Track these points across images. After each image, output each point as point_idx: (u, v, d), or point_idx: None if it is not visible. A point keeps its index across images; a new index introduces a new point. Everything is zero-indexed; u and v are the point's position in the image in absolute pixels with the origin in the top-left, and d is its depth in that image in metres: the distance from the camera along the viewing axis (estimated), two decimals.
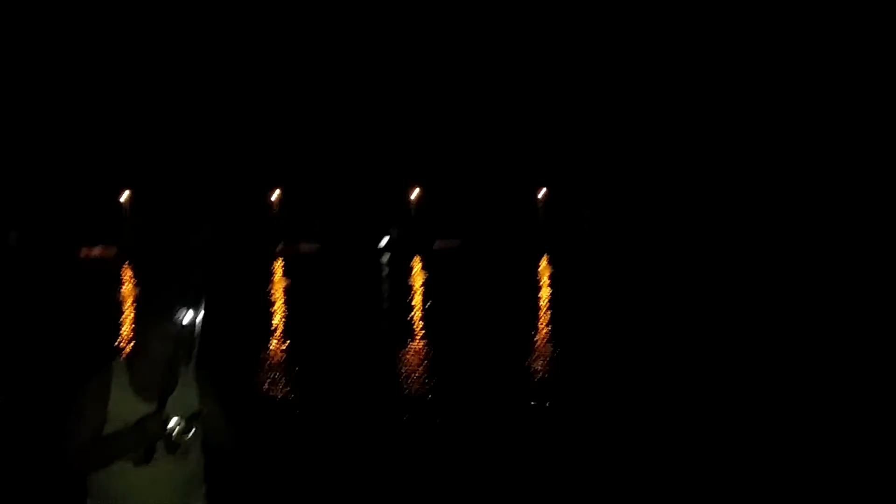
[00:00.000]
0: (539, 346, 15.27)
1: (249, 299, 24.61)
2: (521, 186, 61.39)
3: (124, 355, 3.47)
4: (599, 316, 19.97)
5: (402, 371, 12.57)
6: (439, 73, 60.30)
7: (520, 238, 53.55)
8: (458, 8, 61.48)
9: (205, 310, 3.26)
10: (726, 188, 55.87)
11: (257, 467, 6.76)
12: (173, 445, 3.15)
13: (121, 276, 38.89)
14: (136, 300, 24.41)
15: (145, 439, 3.10)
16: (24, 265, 43.19)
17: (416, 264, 42.34)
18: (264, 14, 60.91)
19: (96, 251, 58.12)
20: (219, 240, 54.62)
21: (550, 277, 35.79)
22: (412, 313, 21.96)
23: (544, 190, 63.21)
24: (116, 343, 15.47)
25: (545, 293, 28.89)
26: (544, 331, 17.80)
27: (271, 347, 15.33)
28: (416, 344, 15.67)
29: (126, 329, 17.69)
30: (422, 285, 32.65)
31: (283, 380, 11.76)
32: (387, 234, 56.76)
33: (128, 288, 31.96)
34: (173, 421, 3.13)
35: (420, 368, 12.88)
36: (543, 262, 40.94)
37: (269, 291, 30.32)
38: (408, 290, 30.22)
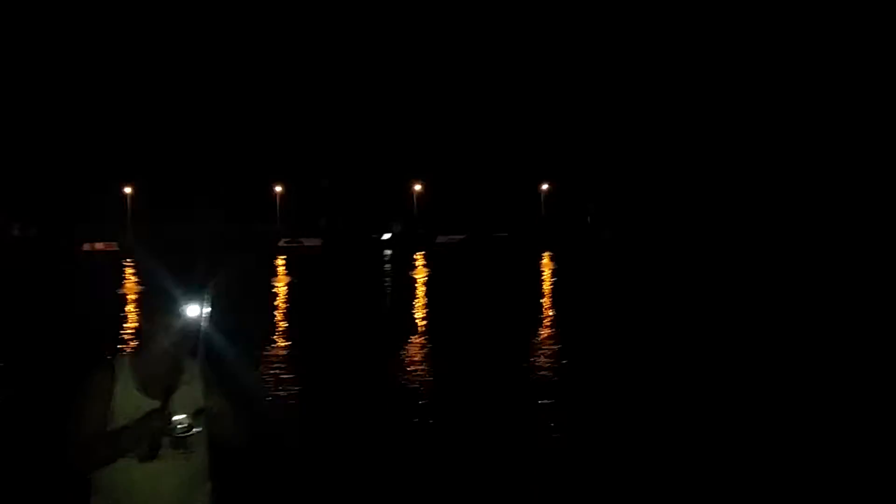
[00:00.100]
0: (541, 341, 15.26)
1: (254, 294, 24.62)
2: (525, 180, 61.41)
3: (128, 350, 3.46)
4: (604, 311, 19.98)
5: (406, 368, 12.55)
6: (444, 69, 60.24)
7: (523, 232, 53.56)
8: (461, 4, 61.37)
9: (210, 304, 3.24)
10: (732, 181, 55.80)
11: (263, 464, 6.74)
12: (178, 441, 3.15)
13: (123, 270, 38.93)
14: (141, 294, 24.43)
15: (150, 435, 3.08)
16: (26, 257, 43.27)
17: (419, 259, 42.31)
18: (270, 11, 60.81)
19: (99, 245, 58.23)
20: (223, 235, 54.66)
21: (554, 271, 35.76)
22: (414, 309, 21.96)
23: (548, 184, 63.24)
24: (119, 338, 15.48)
25: (548, 287, 28.88)
26: (547, 326, 17.80)
27: (276, 343, 15.33)
28: (418, 340, 15.66)
29: (129, 323, 17.71)
30: (424, 280, 32.64)
31: (288, 376, 11.75)
32: (389, 229, 56.75)
33: (130, 282, 31.98)
34: (178, 417, 3.12)
35: (423, 365, 12.87)
36: (547, 256, 40.91)
37: (274, 286, 30.34)
38: (410, 284, 30.22)
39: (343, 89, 58.91)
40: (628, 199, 57.49)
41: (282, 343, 15.41)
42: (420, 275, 35.10)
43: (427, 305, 23.06)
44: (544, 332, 16.57)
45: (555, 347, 14.24)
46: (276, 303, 24.45)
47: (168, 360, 3.20)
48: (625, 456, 7.66)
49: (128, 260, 42.54)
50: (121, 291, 27.65)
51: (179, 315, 3.19)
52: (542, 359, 13.02)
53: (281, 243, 58.71)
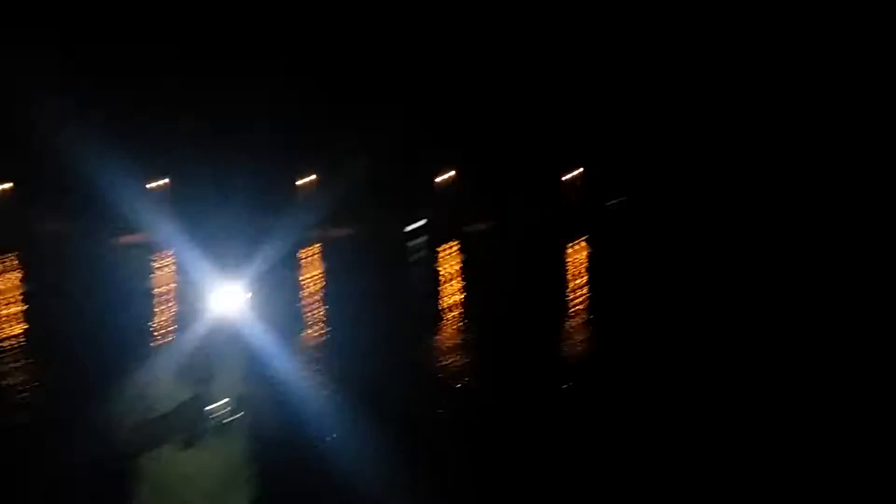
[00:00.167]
0: (571, 329, 15.28)
1: (287, 285, 24.81)
2: (555, 167, 61.09)
3: (166, 340, 3.53)
4: (634, 298, 19.88)
5: (437, 356, 12.65)
6: (471, 57, 59.99)
7: (553, 219, 53.37)
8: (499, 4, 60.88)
9: (246, 295, 3.34)
10: (766, 168, 55.00)
11: (299, 452, 6.86)
12: (216, 429, 3.21)
13: (160, 262, 39.38)
14: (177, 286, 24.69)
15: (188, 423, 3.14)
16: (63, 251, 43.84)
17: (450, 247, 42.33)
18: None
19: (135, 238, 58.88)
20: (255, 226, 54.99)
21: (585, 259, 35.62)
22: (446, 297, 22.03)
23: (578, 170, 62.90)
24: (157, 328, 15.71)
25: (578, 275, 28.79)
26: (578, 313, 17.78)
27: (311, 333, 15.47)
28: (450, 327, 15.74)
29: (166, 315, 17.96)
30: (455, 269, 32.68)
31: (323, 365, 11.89)
32: (419, 218, 56.76)
33: (168, 274, 32.37)
34: (218, 403, 3.19)
35: (454, 352, 12.96)
36: (578, 244, 40.78)
37: (305, 277, 30.55)
38: (440, 273, 30.27)
39: (370, 80, 59.01)
40: (660, 187, 56.94)
41: (318, 332, 15.55)
42: (451, 262, 35.14)
43: (459, 292, 23.11)
44: (575, 317, 16.57)
45: (586, 333, 14.25)
46: (309, 293, 24.60)
47: (206, 350, 3.25)
48: (641, 447, 7.66)
49: (164, 251, 42.96)
50: (157, 283, 28.00)
51: (216, 306, 3.23)
52: (571, 345, 13.05)
53: (312, 234, 58.94)
